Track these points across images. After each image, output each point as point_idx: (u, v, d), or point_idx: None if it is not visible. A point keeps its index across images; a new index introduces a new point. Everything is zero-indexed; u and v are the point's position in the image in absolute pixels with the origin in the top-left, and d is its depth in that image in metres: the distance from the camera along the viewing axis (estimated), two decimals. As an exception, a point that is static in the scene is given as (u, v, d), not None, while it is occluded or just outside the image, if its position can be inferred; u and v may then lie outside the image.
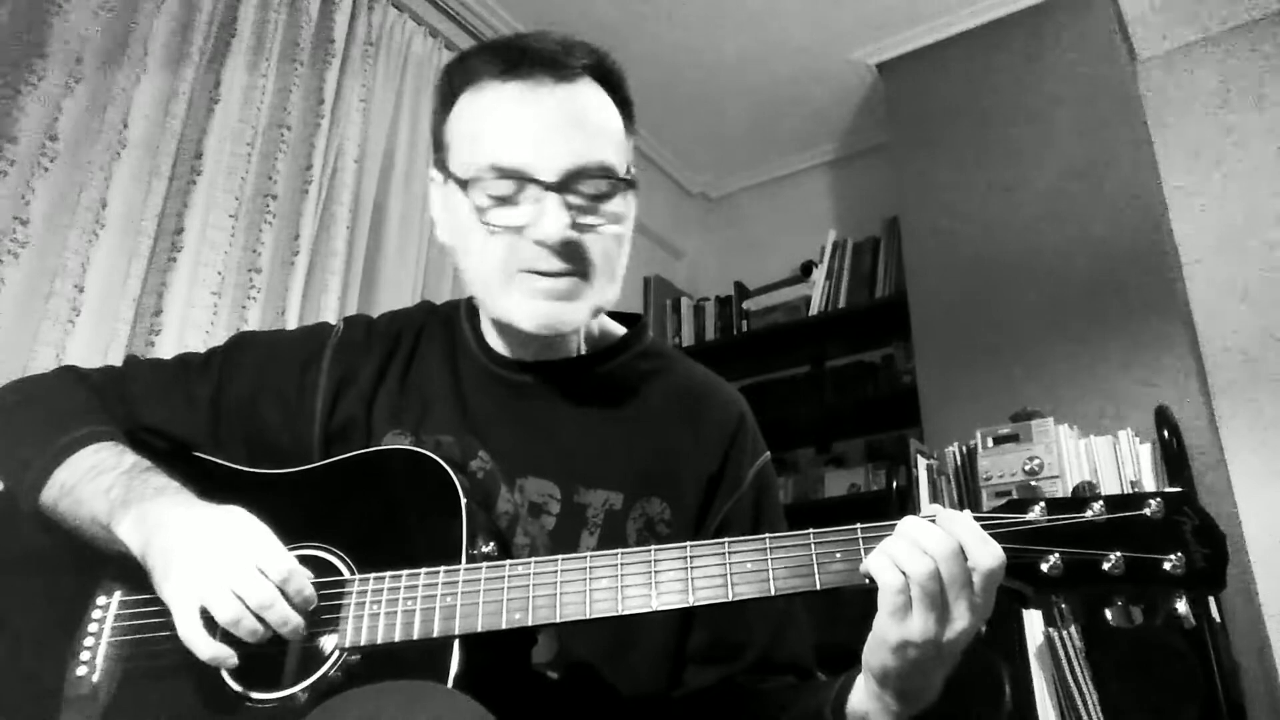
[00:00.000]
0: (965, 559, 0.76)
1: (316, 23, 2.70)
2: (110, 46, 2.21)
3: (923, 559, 0.76)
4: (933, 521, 0.78)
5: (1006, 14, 3.31)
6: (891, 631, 0.78)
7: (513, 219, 0.93)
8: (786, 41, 3.53)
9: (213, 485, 0.95)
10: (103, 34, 2.20)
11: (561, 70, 0.94)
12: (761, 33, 3.48)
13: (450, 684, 0.81)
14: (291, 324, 2.41)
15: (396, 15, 3.04)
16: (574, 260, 0.94)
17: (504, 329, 1.03)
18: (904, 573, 0.76)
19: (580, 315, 0.97)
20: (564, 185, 0.92)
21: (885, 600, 0.77)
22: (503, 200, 0.93)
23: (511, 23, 3.39)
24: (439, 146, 1.01)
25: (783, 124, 4.04)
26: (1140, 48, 3.42)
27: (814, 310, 3.69)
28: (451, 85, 0.99)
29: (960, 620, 0.77)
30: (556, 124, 0.93)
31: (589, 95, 0.96)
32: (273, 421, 1.05)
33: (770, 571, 0.80)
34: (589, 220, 0.95)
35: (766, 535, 0.81)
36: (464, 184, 0.94)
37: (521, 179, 0.92)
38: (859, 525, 0.81)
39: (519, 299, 0.95)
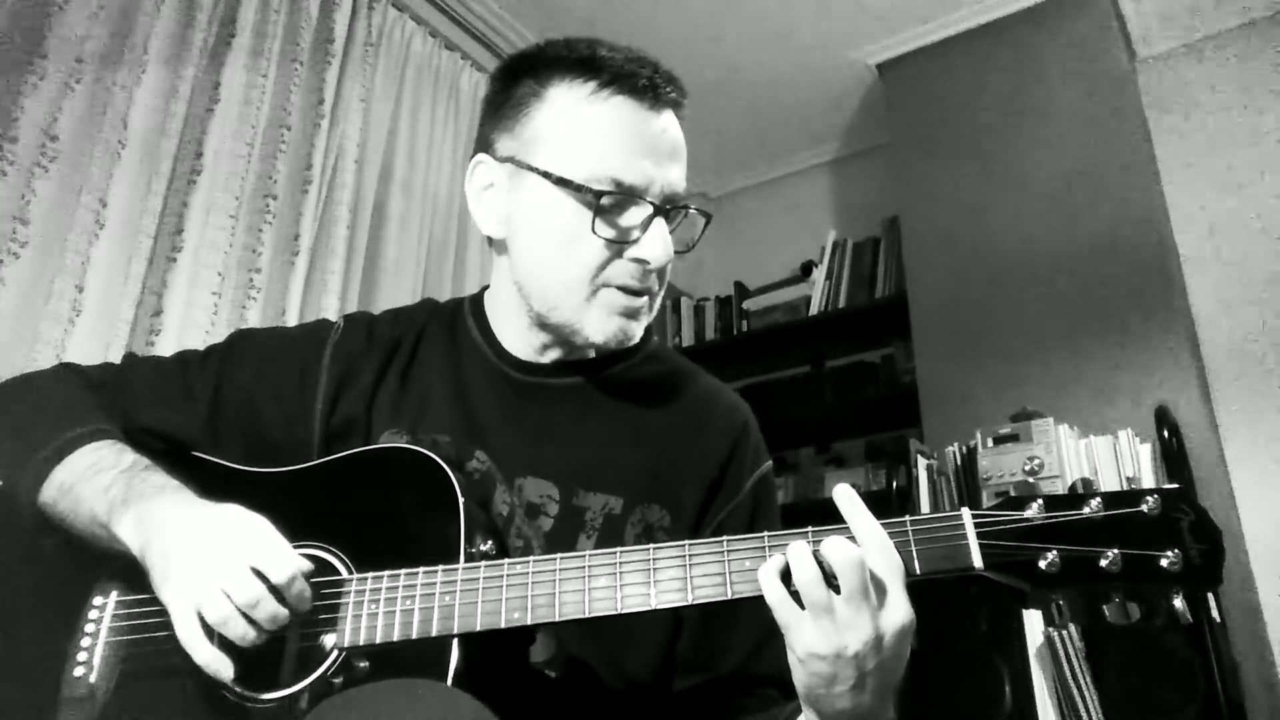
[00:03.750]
0: (864, 569, 0.74)
1: (316, 23, 2.70)
2: (110, 46, 2.22)
3: (813, 569, 0.75)
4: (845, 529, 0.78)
5: (1006, 14, 3.31)
6: (796, 645, 0.76)
7: (619, 230, 0.95)
8: (787, 41, 3.53)
9: (211, 484, 0.95)
10: (103, 34, 2.20)
11: (665, 99, 0.98)
12: (761, 33, 3.48)
13: (449, 683, 0.81)
14: (291, 324, 2.41)
15: (396, 15, 3.04)
16: (655, 281, 0.99)
17: (544, 330, 1.03)
18: (792, 582, 0.76)
19: (640, 333, 1.02)
20: (666, 209, 0.97)
21: (775, 614, 0.77)
22: (608, 209, 0.95)
23: (512, 23, 3.39)
24: (505, 134, 1.01)
25: (783, 124, 4.04)
26: (1140, 48, 3.42)
27: (814, 310, 3.69)
28: (534, 74, 0.99)
29: (862, 631, 0.74)
30: (667, 150, 0.98)
31: (678, 127, 1.01)
32: (272, 419, 1.05)
33: (769, 570, 0.80)
34: (673, 244, 0.99)
35: (765, 534, 0.81)
36: (570, 183, 0.95)
37: (634, 195, 0.95)
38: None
39: (598, 312, 0.98)
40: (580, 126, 0.96)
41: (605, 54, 0.98)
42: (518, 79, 1.01)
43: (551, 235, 0.97)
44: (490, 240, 1.07)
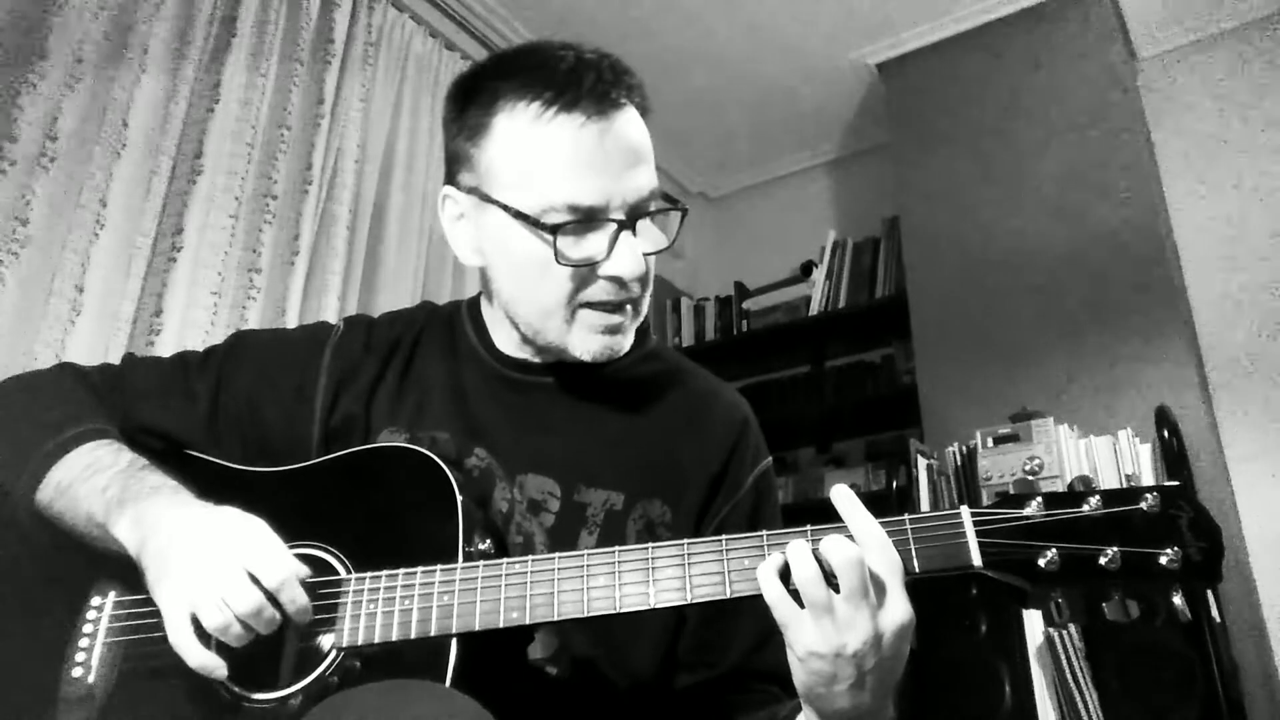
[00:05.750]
0: (863, 568, 0.74)
1: (316, 23, 2.70)
2: (110, 46, 2.21)
3: (813, 568, 0.75)
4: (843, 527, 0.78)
5: (1007, 14, 3.31)
6: (795, 644, 0.77)
7: (585, 253, 0.93)
8: (787, 41, 3.53)
9: (209, 484, 0.95)
10: (103, 34, 2.20)
11: (613, 101, 0.93)
12: (761, 33, 3.48)
13: (448, 683, 0.81)
14: (291, 324, 2.41)
15: (396, 15, 3.04)
16: (636, 289, 0.97)
17: (535, 345, 1.02)
18: (791, 581, 0.76)
19: (629, 342, 1.01)
20: (632, 220, 0.94)
21: (774, 613, 0.77)
22: (570, 234, 0.92)
23: (512, 22, 3.39)
24: (465, 165, 0.99)
25: (783, 124, 4.04)
26: (1140, 48, 3.42)
27: (814, 310, 3.69)
28: (480, 102, 0.96)
29: (861, 630, 0.74)
30: (623, 160, 0.93)
31: (636, 123, 0.97)
32: (271, 420, 1.05)
33: (767, 568, 0.80)
34: (647, 247, 0.96)
35: (764, 533, 0.81)
36: (527, 217, 0.92)
37: (593, 216, 0.92)
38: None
39: (580, 333, 0.97)
40: (528, 156, 0.92)
41: (547, 64, 0.94)
42: (465, 109, 0.98)
43: (521, 267, 0.95)
44: None
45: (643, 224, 0.96)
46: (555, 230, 0.91)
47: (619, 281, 0.94)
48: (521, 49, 1.01)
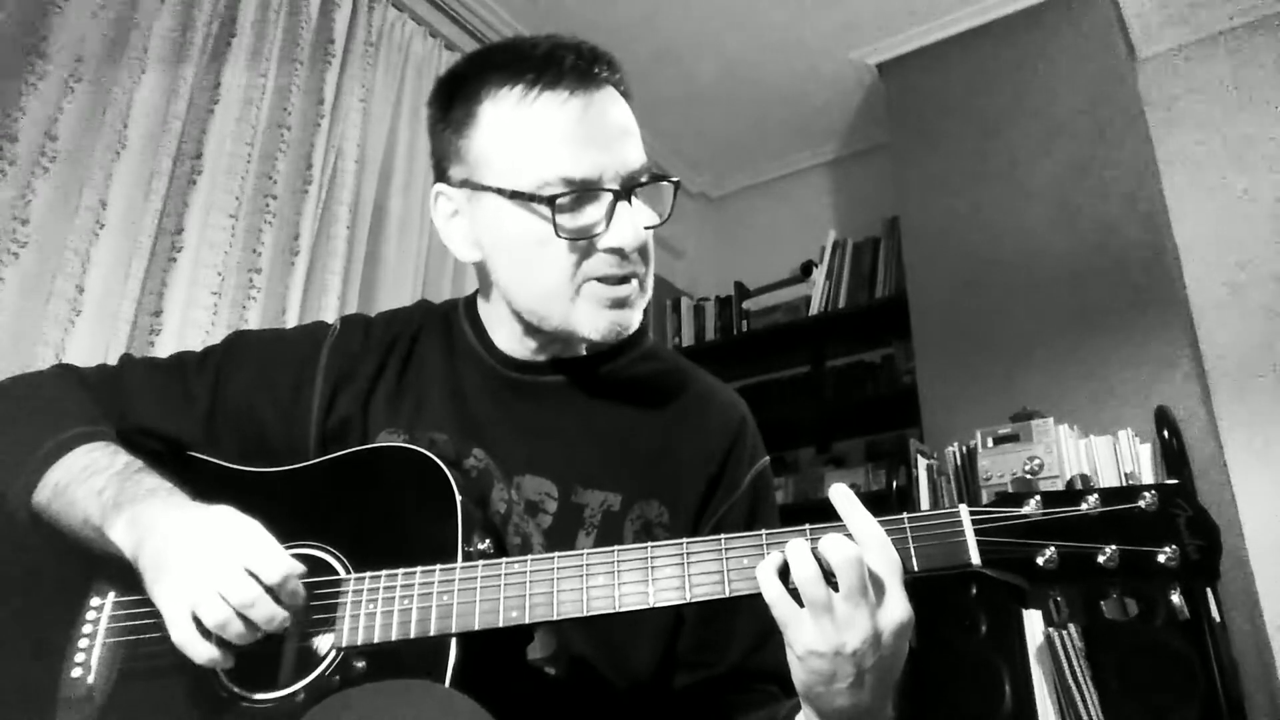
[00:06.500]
0: (862, 567, 0.75)
1: (316, 23, 2.70)
2: (110, 46, 2.21)
3: (812, 567, 0.75)
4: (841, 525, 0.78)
5: (1006, 14, 3.31)
6: (794, 642, 0.77)
7: (583, 224, 0.93)
8: (787, 41, 3.53)
9: (207, 485, 0.95)
10: (103, 34, 2.20)
11: (594, 79, 0.95)
12: (761, 32, 3.49)
13: (448, 683, 0.81)
14: (291, 324, 2.41)
15: (396, 15, 3.05)
16: (638, 263, 0.97)
17: (540, 335, 1.02)
18: (790, 580, 0.76)
19: (638, 319, 1.00)
20: (627, 191, 0.94)
21: (774, 612, 0.77)
22: (567, 208, 0.93)
23: (512, 23, 3.39)
24: (454, 159, 1.00)
25: (783, 124, 4.04)
26: (1140, 48, 3.42)
27: (814, 310, 3.70)
28: (464, 96, 0.98)
29: (860, 629, 0.75)
30: (611, 133, 0.95)
31: (618, 101, 0.98)
32: (269, 421, 1.05)
33: (766, 567, 0.80)
34: (645, 220, 0.96)
35: (763, 532, 0.81)
36: (523, 197, 0.93)
37: (588, 188, 0.93)
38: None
39: (586, 310, 0.96)
40: (517, 136, 0.94)
41: (525, 52, 0.96)
42: (450, 105, 1.00)
43: (521, 249, 0.96)
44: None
45: (637, 200, 0.96)
46: (552, 202, 0.91)
47: (619, 253, 0.94)
48: (498, 45, 1.03)
